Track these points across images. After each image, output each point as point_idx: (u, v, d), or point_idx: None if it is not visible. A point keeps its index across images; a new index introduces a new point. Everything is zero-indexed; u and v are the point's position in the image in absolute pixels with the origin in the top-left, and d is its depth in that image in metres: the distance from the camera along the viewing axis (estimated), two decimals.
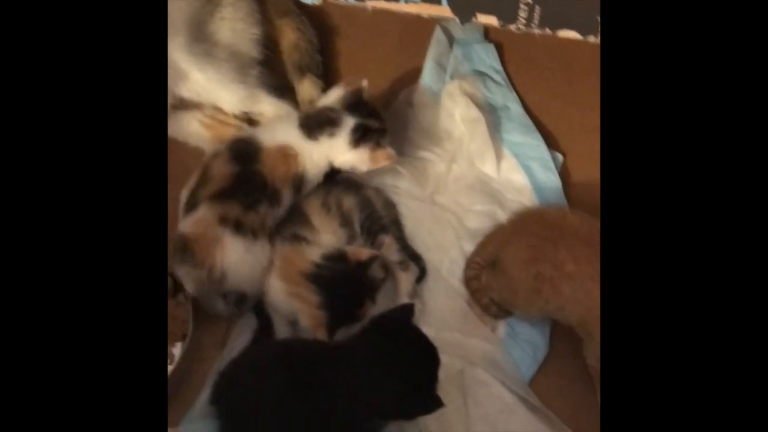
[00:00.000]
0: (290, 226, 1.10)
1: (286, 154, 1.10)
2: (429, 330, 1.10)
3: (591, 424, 1.05)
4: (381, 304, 1.09)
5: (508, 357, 1.10)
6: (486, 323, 1.13)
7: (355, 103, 1.13)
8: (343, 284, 1.04)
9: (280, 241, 1.09)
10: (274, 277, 1.07)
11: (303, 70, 1.29)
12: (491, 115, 1.30)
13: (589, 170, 1.28)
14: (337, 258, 1.06)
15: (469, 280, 1.14)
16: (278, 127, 1.14)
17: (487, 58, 1.34)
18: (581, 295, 0.98)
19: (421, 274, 1.17)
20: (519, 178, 1.24)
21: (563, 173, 1.28)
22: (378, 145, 1.12)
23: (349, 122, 1.11)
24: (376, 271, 1.08)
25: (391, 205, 1.20)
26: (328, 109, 1.13)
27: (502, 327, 1.13)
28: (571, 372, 1.09)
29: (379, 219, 1.16)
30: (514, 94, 1.33)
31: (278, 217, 1.10)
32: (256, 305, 1.09)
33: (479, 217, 1.19)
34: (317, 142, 1.11)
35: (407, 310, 0.98)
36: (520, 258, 1.06)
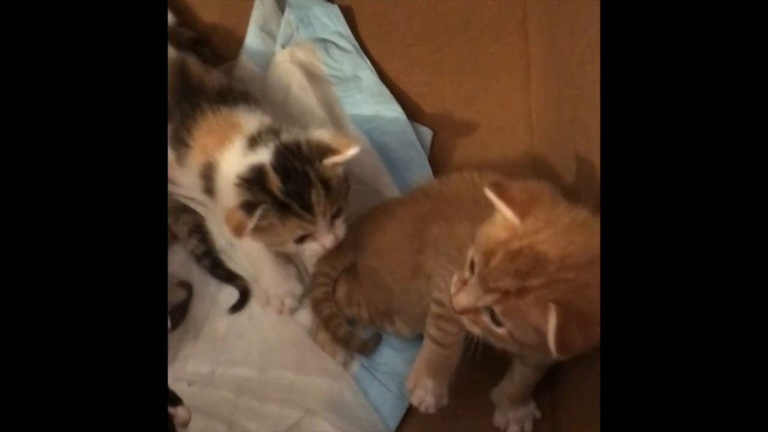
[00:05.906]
0: None
1: None
2: (251, 371, 0.79)
3: None
4: None
5: (362, 398, 0.78)
6: (333, 353, 0.81)
7: None
8: None
9: None
10: None
11: None
12: (339, 87, 1.02)
13: (462, 145, 1.01)
14: None
15: (318, 304, 0.82)
16: None
17: (330, 22, 1.06)
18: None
19: (242, 298, 0.85)
20: (370, 158, 0.94)
21: (435, 150, 1.01)
22: None
23: None
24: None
25: (184, 211, 0.88)
26: None
27: (355, 358, 0.82)
28: None
29: None
30: (367, 61, 1.05)
31: None
32: None
33: None
34: None
35: None
36: (401, 231, 0.76)
